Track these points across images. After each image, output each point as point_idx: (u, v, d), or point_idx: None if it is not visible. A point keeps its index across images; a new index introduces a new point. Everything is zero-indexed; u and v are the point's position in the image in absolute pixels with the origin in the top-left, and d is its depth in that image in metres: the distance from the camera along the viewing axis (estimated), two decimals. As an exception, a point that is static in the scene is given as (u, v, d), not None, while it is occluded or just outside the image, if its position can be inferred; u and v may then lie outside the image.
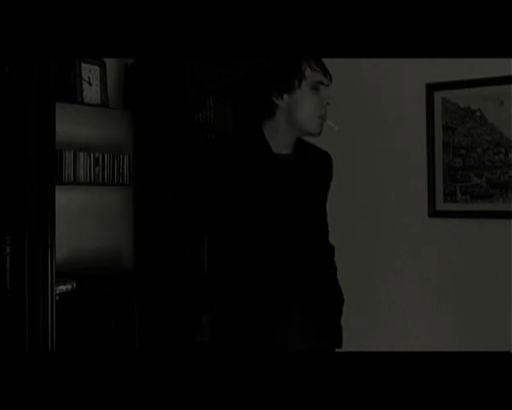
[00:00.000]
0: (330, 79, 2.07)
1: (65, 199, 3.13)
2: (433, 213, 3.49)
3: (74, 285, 2.94)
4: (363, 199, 3.70)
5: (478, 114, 3.39)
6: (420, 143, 3.52)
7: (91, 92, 3.20)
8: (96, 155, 3.22)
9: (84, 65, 3.18)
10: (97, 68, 3.26)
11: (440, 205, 3.48)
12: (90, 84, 3.20)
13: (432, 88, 3.48)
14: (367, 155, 3.69)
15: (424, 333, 3.46)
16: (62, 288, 2.86)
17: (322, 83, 2.04)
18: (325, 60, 2.09)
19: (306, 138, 2.19)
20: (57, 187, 2.74)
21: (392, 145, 3.60)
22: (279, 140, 2.08)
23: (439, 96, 3.48)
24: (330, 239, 2.27)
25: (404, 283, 3.57)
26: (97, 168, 3.21)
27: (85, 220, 3.35)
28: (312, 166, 2.15)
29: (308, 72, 2.02)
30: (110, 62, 3.39)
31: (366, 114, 3.68)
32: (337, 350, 2.18)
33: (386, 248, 3.63)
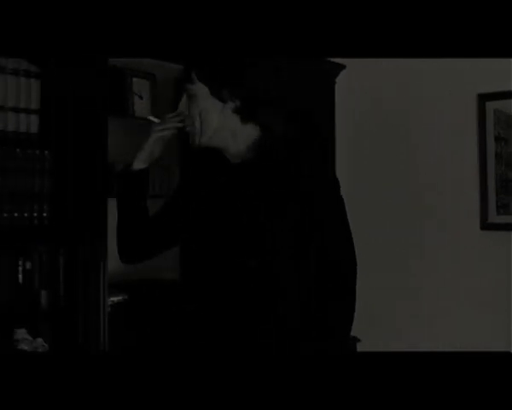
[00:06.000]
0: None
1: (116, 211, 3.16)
2: (486, 225, 3.44)
3: (126, 297, 2.97)
4: (414, 211, 3.66)
5: (531, 124, 3.33)
6: (472, 154, 3.48)
7: (142, 106, 3.24)
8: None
9: (134, 79, 3.23)
10: (147, 82, 3.30)
11: (493, 218, 3.43)
12: (141, 98, 3.24)
13: (484, 98, 3.44)
14: (418, 166, 3.65)
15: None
16: (114, 299, 2.89)
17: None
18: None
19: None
20: (109, 199, 2.77)
21: (444, 156, 3.57)
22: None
23: (490, 106, 3.43)
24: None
25: (454, 295, 3.52)
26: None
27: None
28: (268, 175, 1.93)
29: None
30: (159, 75, 3.43)
31: (418, 125, 3.65)
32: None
33: (437, 261, 3.58)
